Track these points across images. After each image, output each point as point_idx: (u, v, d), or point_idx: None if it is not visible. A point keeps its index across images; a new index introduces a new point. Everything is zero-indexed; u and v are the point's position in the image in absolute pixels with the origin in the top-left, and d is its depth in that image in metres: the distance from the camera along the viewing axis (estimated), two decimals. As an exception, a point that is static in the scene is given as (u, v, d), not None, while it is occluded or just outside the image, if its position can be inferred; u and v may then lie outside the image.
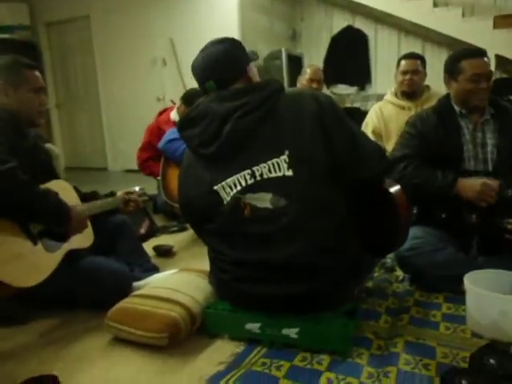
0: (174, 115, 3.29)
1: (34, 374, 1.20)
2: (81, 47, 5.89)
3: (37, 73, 1.74)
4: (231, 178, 1.37)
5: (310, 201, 1.33)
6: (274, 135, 1.36)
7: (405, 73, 2.76)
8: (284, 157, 1.33)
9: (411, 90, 2.78)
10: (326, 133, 1.35)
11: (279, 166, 1.33)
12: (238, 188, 1.37)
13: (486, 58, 1.82)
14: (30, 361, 1.39)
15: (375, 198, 1.48)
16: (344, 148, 1.37)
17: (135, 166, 3.70)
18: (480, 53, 1.84)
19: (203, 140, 1.40)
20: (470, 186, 1.70)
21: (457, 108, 1.89)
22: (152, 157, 3.18)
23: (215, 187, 1.40)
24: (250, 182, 1.36)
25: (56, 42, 6.12)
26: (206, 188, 1.41)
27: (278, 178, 1.33)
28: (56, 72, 6.22)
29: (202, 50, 1.47)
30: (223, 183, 1.38)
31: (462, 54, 1.85)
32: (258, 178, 1.35)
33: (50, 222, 1.55)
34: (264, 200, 1.34)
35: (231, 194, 1.38)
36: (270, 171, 1.34)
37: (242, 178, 1.36)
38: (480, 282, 1.46)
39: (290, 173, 1.33)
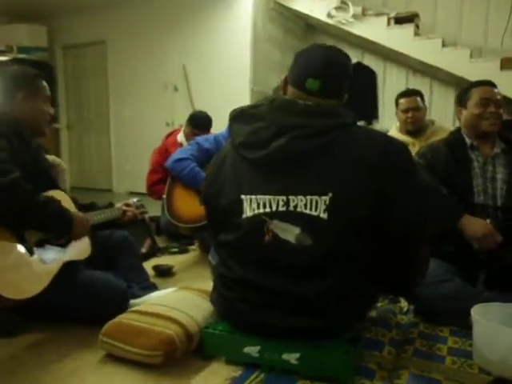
0: (180, 137, 3.32)
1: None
2: (95, 71, 6.03)
3: (44, 82, 1.78)
4: (262, 196, 1.30)
5: (336, 249, 1.27)
6: (324, 171, 1.27)
7: (406, 111, 2.77)
8: (326, 198, 1.25)
9: (416, 128, 2.78)
10: (383, 192, 1.25)
11: (317, 206, 1.25)
12: (267, 210, 1.30)
13: (495, 89, 1.85)
14: (17, 374, 1.33)
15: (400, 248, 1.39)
16: (405, 213, 1.28)
17: (140, 189, 3.70)
18: (489, 82, 1.88)
19: (248, 142, 1.33)
20: (473, 229, 1.68)
21: (468, 140, 1.89)
22: (162, 179, 3.16)
23: (242, 196, 1.33)
24: (281, 208, 1.28)
25: (71, 65, 6.27)
26: (234, 191, 1.35)
27: (311, 216, 1.26)
28: (69, 94, 6.35)
29: (320, 47, 1.38)
30: (252, 196, 1.32)
31: (471, 85, 1.92)
32: (291, 209, 1.27)
33: (53, 230, 1.54)
34: (290, 233, 1.28)
35: (256, 211, 1.31)
36: (305, 206, 1.26)
37: (275, 202, 1.29)
38: (488, 315, 1.40)
39: (324, 216, 1.25)
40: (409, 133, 2.81)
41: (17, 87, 1.69)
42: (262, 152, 1.30)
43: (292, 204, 1.27)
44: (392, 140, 1.34)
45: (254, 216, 1.31)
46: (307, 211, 1.26)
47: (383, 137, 1.33)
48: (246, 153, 1.34)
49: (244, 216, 1.33)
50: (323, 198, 1.25)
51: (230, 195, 1.37)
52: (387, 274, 1.37)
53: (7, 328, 1.58)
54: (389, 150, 1.28)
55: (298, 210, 1.27)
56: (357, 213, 1.26)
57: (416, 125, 2.77)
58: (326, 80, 1.31)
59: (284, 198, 1.28)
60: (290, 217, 1.27)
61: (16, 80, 1.71)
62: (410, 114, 2.75)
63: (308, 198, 1.26)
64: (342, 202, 1.24)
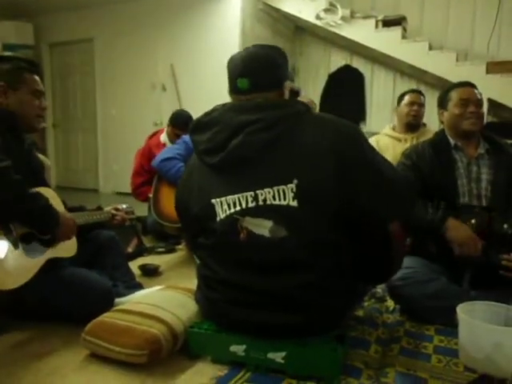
0: (163, 138, 3.29)
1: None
2: (82, 69, 5.96)
3: (36, 77, 1.74)
4: (231, 196, 1.31)
5: (311, 237, 1.27)
6: (285, 160, 1.28)
7: (412, 104, 2.84)
8: (292, 185, 1.26)
9: (416, 122, 2.85)
10: (341, 169, 1.26)
11: (285, 195, 1.26)
12: (237, 208, 1.30)
13: (475, 90, 1.87)
14: (-2, 373, 1.30)
15: (371, 227, 1.42)
16: (365, 188, 1.29)
17: (126, 189, 3.66)
18: (468, 83, 1.91)
19: (209, 148, 1.35)
20: (455, 235, 1.68)
21: (452, 141, 1.90)
22: (146, 181, 3.14)
23: (212, 200, 1.35)
24: (251, 204, 1.29)
25: (58, 63, 6.18)
26: (205, 198, 1.36)
27: (281, 206, 1.26)
28: (55, 92, 6.26)
29: (247, 48, 1.41)
30: (222, 199, 1.33)
31: (451, 86, 1.95)
32: (261, 203, 1.28)
33: (39, 225, 1.52)
34: (263, 227, 1.28)
35: (228, 212, 1.32)
36: (274, 198, 1.27)
37: (244, 199, 1.30)
38: (473, 314, 1.42)
39: (294, 203, 1.25)
40: (409, 126, 2.85)
41: None
42: (221, 154, 1.32)
43: (261, 198, 1.28)
44: (340, 119, 1.37)
45: (227, 217, 1.32)
46: (276, 202, 1.27)
47: (332, 117, 1.37)
48: (208, 158, 1.36)
49: (218, 219, 1.34)
50: (289, 185, 1.26)
51: (200, 202, 1.39)
52: (363, 263, 1.37)
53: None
54: (341, 127, 1.32)
55: (268, 202, 1.28)
56: (325, 194, 1.26)
57: (417, 120, 2.85)
58: (252, 75, 1.35)
59: (252, 193, 1.29)
60: (261, 211, 1.28)
61: None
62: (414, 107, 2.82)
63: (275, 188, 1.27)
64: (308, 187, 1.26)
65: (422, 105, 2.87)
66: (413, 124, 2.84)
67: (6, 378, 1.27)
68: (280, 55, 1.42)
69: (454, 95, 1.87)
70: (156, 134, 3.45)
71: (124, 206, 2.05)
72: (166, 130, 3.33)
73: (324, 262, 1.29)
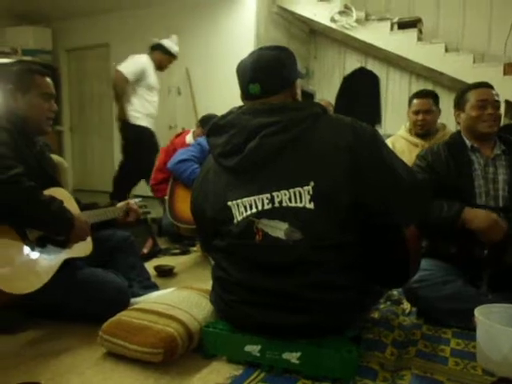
0: (189, 139, 3.35)
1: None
2: (98, 73, 6.03)
3: (48, 79, 1.74)
4: (248, 198, 1.32)
5: (326, 239, 1.27)
6: (302, 162, 1.28)
7: (417, 113, 2.70)
8: (308, 188, 1.26)
9: (424, 131, 2.72)
10: (357, 171, 1.25)
11: (301, 197, 1.26)
12: (254, 211, 1.31)
13: (492, 90, 1.84)
14: (16, 369, 1.32)
15: (386, 231, 1.41)
16: (382, 192, 1.28)
17: (141, 191, 3.71)
18: (485, 84, 1.87)
19: (225, 151, 1.36)
20: (480, 216, 1.65)
21: (468, 142, 1.88)
22: (167, 178, 3.16)
23: (229, 203, 1.35)
24: (267, 206, 1.29)
25: (75, 68, 6.28)
26: (220, 201, 1.37)
27: (297, 208, 1.26)
28: (72, 96, 6.35)
29: (253, 53, 1.42)
30: (238, 201, 1.33)
31: (468, 87, 1.91)
32: (277, 205, 1.28)
33: (53, 229, 1.53)
34: (279, 229, 1.28)
35: (244, 214, 1.33)
36: (290, 200, 1.27)
37: (260, 201, 1.30)
38: (492, 316, 1.39)
39: (311, 206, 1.26)
40: (417, 135, 2.76)
41: (6, 81, 1.67)
42: (238, 157, 1.32)
43: (277, 200, 1.28)
44: (357, 121, 1.36)
45: (243, 219, 1.32)
46: (292, 204, 1.27)
47: (350, 119, 1.36)
48: (225, 161, 1.37)
49: (235, 221, 1.34)
50: (306, 188, 1.26)
51: (217, 205, 1.39)
52: (380, 266, 1.36)
53: (8, 325, 1.57)
54: (355, 127, 1.31)
55: (284, 204, 1.27)
56: (341, 196, 1.26)
57: (425, 128, 2.71)
58: (262, 80, 1.36)
59: (268, 195, 1.29)
60: (277, 213, 1.28)
61: (7, 74, 1.70)
62: (420, 117, 2.68)
63: (291, 191, 1.27)
64: (324, 189, 1.25)
65: (429, 111, 2.68)
66: (420, 133, 2.73)
67: (23, 375, 1.28)
68: (287, 55, 1.42)
69: (471, 96, 1.84)
70: (182, 134, 3.55)
71: (136, 201, 2.06)
72: (193, 131, 3.39)
73: (337, 262, 1.28)
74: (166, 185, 3.02)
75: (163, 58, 3.80)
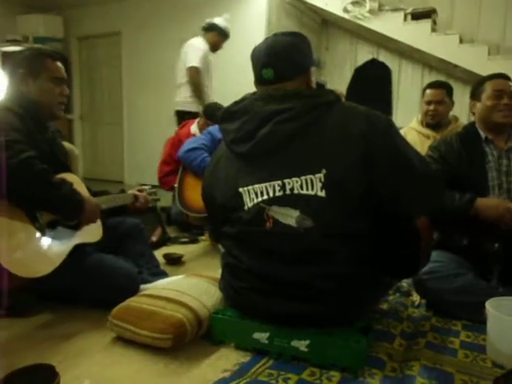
0: (194, 129, 3.31)
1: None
2: (109, 62, 6.04)
3: (59, 63, 1.73)
4: (259, 185, 1.31)
5: (337, 228, 1.26)
6: (314, 149, 1.27)
7: (429, 103, 2.69)
8: (320, 175, 1.24)
9: (435, 122, 2.70)
10: (370, 159, 1.24)
11: (313, 184, 1.25)
12: (265, 197, 1.30)
13: (509, 82, 1.83)
14: (28, 352, 1.34)
15: (397, 221, 1.39)
16: (395, 181, 1.27)
17: (151, 181, 3.70)
18: (502, 75, 1.86)
19: (237, 137, 1.35)
20: (492, 205, 1.64)
21: (482, 134, 1.86)
22: (173, 170, 3.17)
23: (240, 189, 1.35)
24: (278, 193, 1.29)
25: (86, 56, 6.28)
26: (232, 188, 1.37)
27: (309, 196, 1.25)
28: (83, 85, 6.37)
29: (267, 38, 1.41)
30: (249, 187, 1.33)
31: (485, 78, 1.90)
32: (288, 192, 1.27)
33: (64, 211, 1.53)
34: (289, 216, 1.28)
35: (255, 201, 1.32)
36: (301, 187, 1.26)
37: (271, 188, 1.29)
38: (502, 309, 1.38)
39: (322, 193, 1.24)
40: (428, 126, 2.74)
41: (17, 65, 1.67)
42: (250, 144, 1.31)
43: (288, 187, 1.27)
44: (372, 109, 1.34)
45: (254, 206, 1.32)
46: (304, 191, 1.26)
47: (364, 107, 1.34)
48: (238, 148, 1.36)
49: (246, 208, 1.34)
50: (317, 175, 1.25)
51: (228, 191, 1.39)
52: (390, 256, 1.35)
53: (20, 308, 1.59)
54: (370, 115, 1.29)
55: (295, 192, 1.27)
56: (354, 184, 1.24)
57: (436, 119, 2.69)
58: (276, 65, 1.34)
59: (279, 182, 1.28)
60: (288, 200, 1.27)
61: (18, 59, 1.69)
62: (431, 107, 2.67)
63: (303, 178, 1.26)
64: (336, 177, 1.24)
65: (441, 102, 2.66)
66: (431, 124, 2.71)
67: (35, 358, 1.29)
68: (302, 41, 1.40)
69: (488, 86, 1.83)
70: (186, 124, 3.47)
71: (146, 188, 2.07)
72: (197, 121, 3.35)
73: (348, 252, 1.28)
74: (172, 177, 3.03)
75: (218, 39, 3.73)
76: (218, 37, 3.70)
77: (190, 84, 3.66)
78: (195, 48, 3.64)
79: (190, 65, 3.58)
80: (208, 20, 3.76)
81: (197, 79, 3.59)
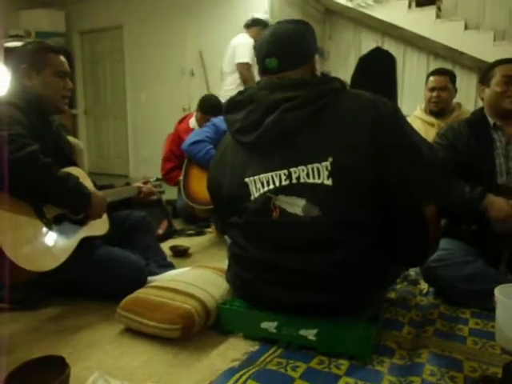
0: (192, 123, 3.29)
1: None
2: (112, 56, 6.03)
3: (62, 57, 1.72)
4: (265, 175, 1.30)
5: (343, 216, 1.25)
6: (320, 138, 1.26)
7: (432, 89, 2.68)
8: (326, 163, 1.23)
9: (439, 109, 2.69)
10: (377, 146, 1.23)
11: (319, 173, 1.24)
12: (271, 187, 1.29)
13: None
14: (37, 344, 1.35)
15: (405, 208, 1.38)
16: (402, 169, 1.26)
17: (156, 174, 3.71)
18: None
19: (243, 127, 1.34)
20: (498, 206, 1.62)
21: (490, 120, 1.84)
22: (176, 166, 3.16)
23: (246, 179, 1.34)
24: (284, 183, 1.28)
25: (88, 50, 6.28)
26: (238, 178, 1.36)
27: (315, 184, 1.24)
28: (86, 79, 6.37)
29: (270, 27, 1.40)
30: (255, 177, 1.32)
31: (494, 63, 1.87)
32: (294, 181, 1.27)
33: (70, 205, 1.53)
34: (296, 205, 1.27)
35: (261, 190, 1.31)
36: (308, 176, 1.25)
37: (277, 177, 1.29)
38: (509, 296, 1.37)
39: (329, 182, 1.23)
40: (431, 113, 2.73)
41: (20, 60, 1.66)
42: (256, 133, 1.30)
43: (294, 176, 1.26)
44: (379, 96, 1.32)
45: (260, 195, 1.31)
46: (310, 180, 1.25)
47: (371, 94, 1.32)
48: (243, 137, 1.35)
49: (252, 198, 1.33)
50: (324, 163, 1.24)
51: (234, 181, 1.38)
52: (399, 245, 1.34)
53: (29, 301, 1.60)
54: (378, 104, 1.27)
55: (302, 180, 1.26)
56: (361, 173, 1.23)
57: (439, 106, 2.68)
58: (279, 54, 1.33)
59: (285, 171, 1.27)
60: (295, 189, 1.27)
61: (21, 53, 1.69)
62: (434, 94, 2.66)
63: (309, 166, 1.25)
64: (343, 165, 1.23)
65: (444, 89, 2.65)
66: (434, 111, 2.70)
67: (45, 350, 1.30)
68: (306, 29, 1.39)
69: (497, 72, 1.80)
70: (185, 119, 3.45)
71: (151, 180, 2.07)
72: (194, 115, 3.33)
73: (355, 241, 1.27)
74: (176, 172, 3.03)
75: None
76: (262, 31, 3.72)
77: (240, 79, 3.71)
78: (242, 43, 3.67)
79: (242, 61, 3.62)
80: (252, 15, 3.83)
81: (247, 75, 3.63)
